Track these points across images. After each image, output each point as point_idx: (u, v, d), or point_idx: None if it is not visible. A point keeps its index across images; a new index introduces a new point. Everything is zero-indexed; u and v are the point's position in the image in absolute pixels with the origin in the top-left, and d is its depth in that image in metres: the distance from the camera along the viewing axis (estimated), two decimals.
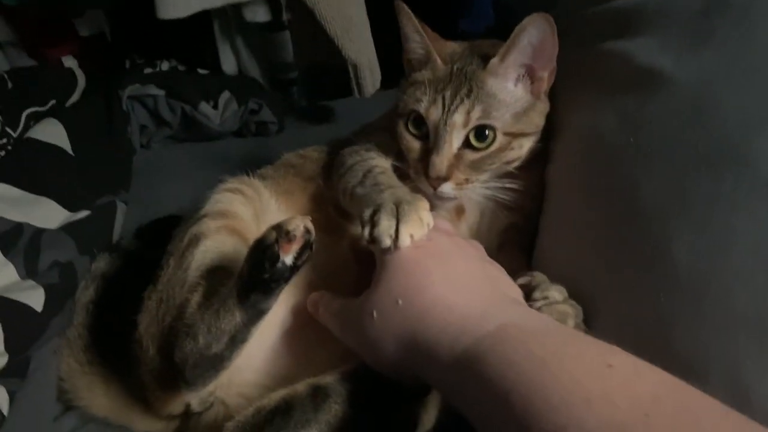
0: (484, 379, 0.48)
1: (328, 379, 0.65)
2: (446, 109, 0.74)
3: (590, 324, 0.64)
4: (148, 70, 1.43)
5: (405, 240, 0.60)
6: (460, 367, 0.51)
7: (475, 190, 0.78)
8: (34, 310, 0.82)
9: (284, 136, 1.46)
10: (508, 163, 0.78)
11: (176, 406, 0.72)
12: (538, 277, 0.68)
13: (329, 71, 1.47)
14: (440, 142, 0.75)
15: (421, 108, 0.76)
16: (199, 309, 0.68)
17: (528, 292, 0.66)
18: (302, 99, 1.60)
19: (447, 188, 0.75)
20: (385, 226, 0.61)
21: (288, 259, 0.63)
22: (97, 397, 0.79)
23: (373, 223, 0.62)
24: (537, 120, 0.79)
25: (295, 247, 0.63)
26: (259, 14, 1.29)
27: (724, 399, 0.43)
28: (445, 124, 0.74)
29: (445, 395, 0.58)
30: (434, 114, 0.75)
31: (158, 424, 0.77)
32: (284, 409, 0.63)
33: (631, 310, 0.60)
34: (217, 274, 0.72)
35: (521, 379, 0.45)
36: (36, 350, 0.82)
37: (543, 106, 0.79)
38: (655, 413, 0.40)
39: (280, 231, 0.63)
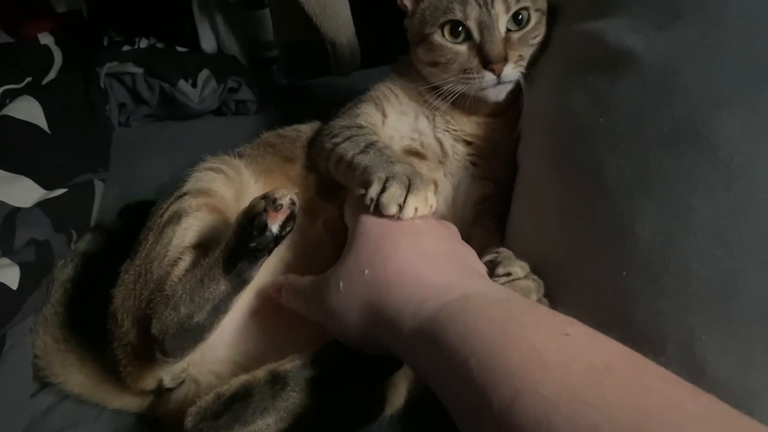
0: (446, 346, 0.49)
1: (288, 366, 0.66)
2: (484, 3, 0.79)
3: (556, 296, 0.66)
4: (126, 48, 1.41)
5: (409, 210, 0.63)
6: (423, 334, 0.53)
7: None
8: (10, 288, 0.81)
9: (264, 114, 1.45)
10: (538, 39, 0.83)
11: (149, 382, 0.73)
12: (504, 253, 0.70)
13: (309, 49, 1.47)
14: (489, 32, 0.79)
15: (458, 12, 0.80)
16: (181, 281, 0.69)
17: (493, 269, 0.67)
18: (282, 77, 1.59)
19: (509, 69, 0.80)
20: (397, 193, 0.63)
21: (274, 227, 0.65)
22: (72, 375, 0.80)
23: (384, 188, 0.64)
24: (544, 0, 0.85)
25: (281, 216, 0.65)
26: None
27: (679, 371, 0.44)
28: (489, 15, 0.79)
29: (408, 363, 0.60)
30: (473, 12, 0.80)
31: (132, 401, 0.78)
32: (243, 396, 0.65)
33: (595, 283, 0.62)
34: (197, 250, 0.73)
35: (481, 345, 0.47)
36: (11, 328, 0.82)
37: None
38: (609, 380, 0.41)
39: (268, 200, 0.65)
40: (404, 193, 0.63)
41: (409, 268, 0.59)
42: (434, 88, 0.85)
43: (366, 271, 0.60)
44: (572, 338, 0.46)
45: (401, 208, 0.63)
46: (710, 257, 0.52)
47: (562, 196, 0.69)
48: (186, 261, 0.71)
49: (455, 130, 0.88)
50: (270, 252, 0.67)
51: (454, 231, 0.72)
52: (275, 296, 0.73)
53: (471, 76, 0.81)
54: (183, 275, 0.69)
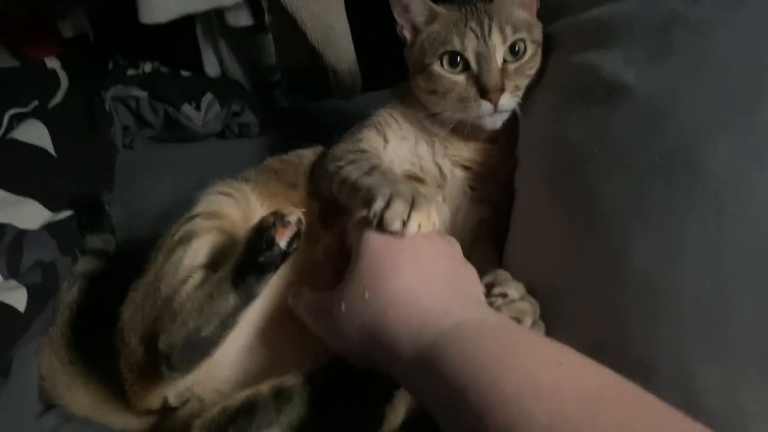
0: (443, 373, 0.51)
1: (292, 381, 0.67)
2: (481, 35, 0.83)
3: (551, 320, 0.67)
4: (131, 72, 1.43)
5: (413, 227, 0.64)
6: (421, 361, 0.54)
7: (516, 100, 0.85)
8: (17, 310, 0.82)
9: (266, 137, 1.47)
10: (534, 69, 0.86)
11: (154, 401, 0.75)
12: (501, 275, 0.71)
13: (311, 73, 1.49)
14: (486, 63, 0.82)
15: (456, 44, 0.83)
16: (189, 297, 0.71)
17: (490, 290, 0.68)
18: (284, 100, 1.61)
19: (505, 99, 0.82)
20: (400, 209, 0.64)
21: (282, 243, 0.67)
22: (78, 396, 0.81)
23: (388, 205, 0.65)
24: (540, 33, 0.87)
25: (288, 233, 0.67)
26: (242, 19, 1.29)
27: (672, 394, 0.46)
28: (486, 46, 0.82)
29: (405, 387, 0.61)
30: (471, 44, 0.83)
31: (136, 421, 0.79)
32: (247, 410, 0.66)
33: (589, 306, 0.63)
34: (206, 269, 0.75)
35: (477, 372, 0.48)
36: (19, 349, 0.83)
37: (538, 24, 0.88)
38: (600, 407, 0.43)
39: (277, 216, 0.67)
40: (408, 210, 0.64)
41: (408, 292, 0.60)
42: (433, 115, 0.88)
43: (367, 294, 0.61)
44: (565, 367, 0.47)
45: (405, 224, 0.64)
46: (701, 283, 0.53)
47: (558, 222, 0.71)
48: (195, 279, 0.73)
49: (454, 155, 0.90)
50: (276, 268, 0.69)
51: (456, 247, 0.73)
52: (291, 303, 0.74)
53: (469, 105, 0.83)
54: (192, 292, 0.71)
